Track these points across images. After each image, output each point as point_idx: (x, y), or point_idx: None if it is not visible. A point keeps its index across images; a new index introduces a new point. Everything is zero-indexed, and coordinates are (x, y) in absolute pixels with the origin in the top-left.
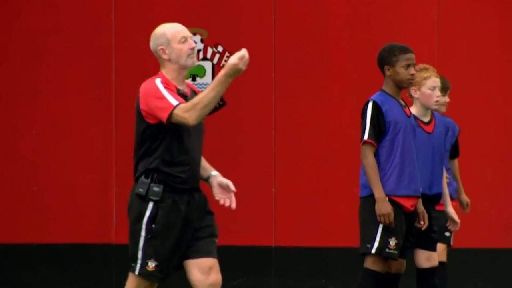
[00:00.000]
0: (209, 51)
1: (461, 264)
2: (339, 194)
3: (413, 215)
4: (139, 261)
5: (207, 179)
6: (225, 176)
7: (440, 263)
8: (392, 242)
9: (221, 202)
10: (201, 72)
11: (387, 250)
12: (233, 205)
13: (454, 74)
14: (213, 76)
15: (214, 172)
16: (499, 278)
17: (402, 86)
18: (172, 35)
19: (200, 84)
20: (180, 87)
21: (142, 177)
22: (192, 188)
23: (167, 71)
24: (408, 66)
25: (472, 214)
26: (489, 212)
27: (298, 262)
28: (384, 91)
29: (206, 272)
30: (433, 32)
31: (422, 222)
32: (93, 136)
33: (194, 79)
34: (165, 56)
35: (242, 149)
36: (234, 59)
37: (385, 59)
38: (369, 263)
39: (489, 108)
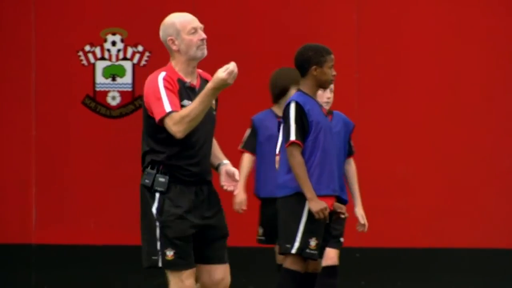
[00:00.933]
0: (129, 50)
1: (379, 264)
2: None
3: (331, 215)
4: (159, 253)
5: (217, 167)
6: None
7: (334, 266)
8: (313, 243)
9: (225, 187)
10: (121, 72)
11: (307, 250)
12: (236, 191)
13: (373, 75)
14: (133, 75)
15: (226, 161)
16: (418, 278)
17: (325, 86)
18: (182, 26)
19: (120, 84)
20: (188, 80)
21: (149, 167)
22: (200, 181)
23: (176, 62)
24: (331, 67)
25: (391, 213)
26: (410, 212)
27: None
28: (303, 92)
29: (216, 279)
30: (352, 32)
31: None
32: (12, 135)
33: (114, 79)
34: (174, 47)
35: None
36: (222, 73)
37: (313, 59)
38: (289, 263)
39: (407, 107)
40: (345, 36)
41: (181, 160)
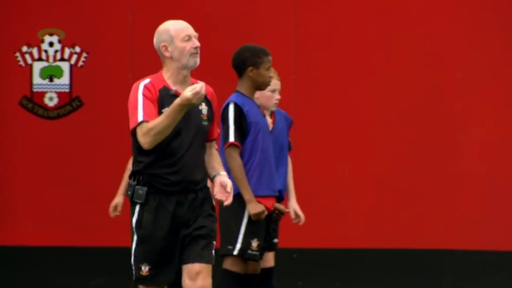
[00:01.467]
0: (67, 51)
1: (317, 265)
2: None
3: (271, 215)
4: (133, 266)
5: (213, 178)
6: (82, 176)
7: (270, 268)
8: (254, 244)
9: (217, 197)
10: (58, 73)
11: (249, 251)
12: (227, 202)
13: (310, 76)
14: (71, 76)
15: (222, 172)
16: (356, 278)
17: (261, 88)
18: (176, 32)
19: (57, 85)
20: (175, 88)
21: (131, 179)
22: (183, 190)
23: (167, 69)
24: (269, 68)
25: (330, 214)
26: (347, 212)
27: None
28: (241, 92)
29: (193, 278)
30: (290, 34)
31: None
32: None
33: (51, 80)
34: (167, 54)
35: (98, 149)
36: (189, 93)
37: (250, 61)
38: (229, 264)
39: (345, 107)
40: (283, 37)
41: (159, 169)
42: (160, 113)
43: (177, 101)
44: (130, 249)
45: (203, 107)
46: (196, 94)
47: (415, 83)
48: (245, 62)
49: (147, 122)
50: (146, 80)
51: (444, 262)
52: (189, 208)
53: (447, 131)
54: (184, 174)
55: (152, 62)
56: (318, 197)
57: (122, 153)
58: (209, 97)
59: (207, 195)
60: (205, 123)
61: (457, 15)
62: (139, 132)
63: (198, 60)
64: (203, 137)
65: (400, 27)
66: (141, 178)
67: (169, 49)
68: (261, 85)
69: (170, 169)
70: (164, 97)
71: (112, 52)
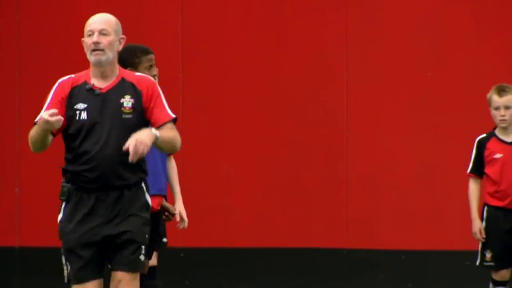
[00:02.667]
0: None
1: (204, 264)
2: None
3: (158, 214)
4: (64, 266)
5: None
6: None
7: (153, 267)
8: None
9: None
10: None
11: None
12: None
13: (198, 74)
14: None
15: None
16: (242, 276)
17: None
18: (85, 27)
19: None
20: (93, 82)
21: (64, 181)
22: (103, 187)
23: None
24: (151, 67)
25: (215, 212)
26: (234, 212)
27: (43, 262)
28: None
29: (115, 286)
30: (177, 31)
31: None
32: None
33: None
34: (84, 49)
35: None
36: (45, 116)
37: (128, 61)
38: None
39: (232, 106)
40: (170, 35)
41: (77, 166)
42: (71, 110)
43: (40, 121)
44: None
45: (126, 100)
46: (51, 115)
47: (301, 80)
48: (124, 63)
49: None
50: (67, 76)
51: (330, 261)
52: (110, 204)
53: (333, 129)
54: (101, 171)
55: (40, 61)
56: (204, 196)
57: (6, 153)
58: (139, 87)
59: (137, 193)
60: (128, 116)
61: (343, 11)
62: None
63: (99, 57)
64: (128, 131)
65: (284, 24)
66: (67, 175)
67: (83, 44)
68: None
69: (86, 166)
70: (77, 93)
71: None
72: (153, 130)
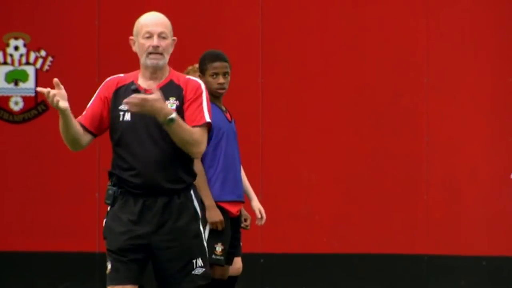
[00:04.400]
0: (32, 55)
1: (285, 270)
2: None
3: (238, 220)
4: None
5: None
6: (48, 180)
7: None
8: (219, 248)
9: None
10: (24, 77)
11: (213, 256)
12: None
13: (277, 78)
14: (36, 81)
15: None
16: (324, 283)
17: (213, 94)
18: (140, 27)
19: (23, 89)
20: (145, 82)
21: (110, 184)
22: (150, 193)
23: (140, 64)
24: (216, 74)
25: (295, 218)
26: (313, 217)
27: None
28: None
29: None
30: (257, 37)
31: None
32: None
33: (16, 84)
34: (133, 48)
35: (65, 153)
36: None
37: (199, 68)
38: None
39: (314, 111)
40: (249, 41)
41: (123, 172)
42: (116, 110)
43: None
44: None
45: (170, 102)
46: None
47: (382, 87)
48: (199, 69)
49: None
50: (115, 76)
51: (410, 267)
52: (160, 215)
53: (413, 135)
54: (146, 175)
55: (119, 66)
56: (284, 201)
57: (88, 157)
58: (184, 89)
59: (186, 202)
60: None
61: (423, 16)
62: None
63: (158, 62)
64: (163, 141)
65: (365, 30)
66: (114, 178)
67: (135, 44)
68: (211, 92)
69: (131, 171)
70: (122, 94)
71: (78, 56)
72: (174, 113)
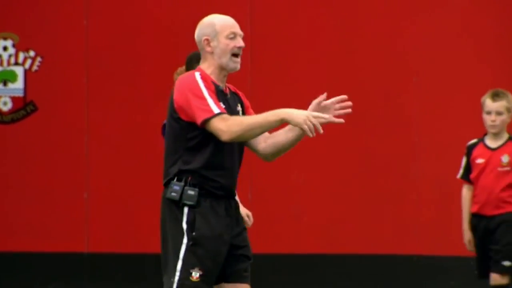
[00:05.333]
0: (21, 56)
1: (271, 270)
2: (155, 198)
3: None
4: (177, 273)
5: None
6: (37, 180)
7: None
8: None
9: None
10: (12, 77)
11: None
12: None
13: (266, 76)
14: (25, 81)
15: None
16: (312, 283)
17: None
18: (221, 27)
19: (11, 90)
20: (220, 84)
21: (174, 180)
22: (229, 194)
23: (208, 65)
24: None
25: (284, 219)
26: (301, 217)
27: (113, 268)
28: None
29: None
30: (247, 34)
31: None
32: None
33: (5, 84)
34: (208, 49)
35: (53, 154)
36: (302, 119)
37: (186, 68)
38: None
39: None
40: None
41: (211, 170)
42: None
43: (283, 114)
44: (174, 254)
45: (239, 108)
46: (309, 124)
47: (370, 87)
48: (189, 70)
49: (227, 114)
50: (197, 72)
51: (400, 268)
52: (232, 215)
53: (403, 135)
54: (231, 177)
55: (108, 66)
56: (274, 202)
57: (76, 157)
58: (242, 99)
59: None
60: None
61: (413, 16)
62: (221, 122)
63: (238, 65)
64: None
65: (354, 30)
66: (190, 179)
67: (212, 44)
68: None
69: (221, 171)
70: (217, 92)
71: (67, 56)
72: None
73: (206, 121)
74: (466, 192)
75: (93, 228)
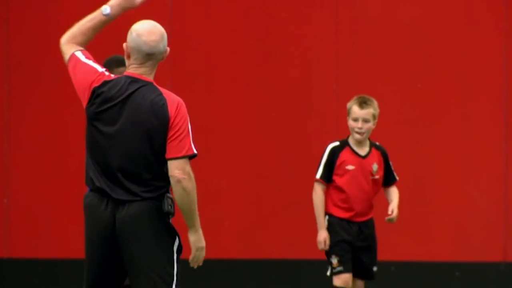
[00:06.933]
0: None
1: (193, 275)
2: (76, 204)
3: None
4: (174, 281)
5: None
6: None
7: None
8: None
9: None
10: None
11: None
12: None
13: (187, 84)
14: None
15: None
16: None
17: None
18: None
19: None
20: None
21: (168, 193)
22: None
23: (153, 77)
24: None
25: (207, 224)
26: (223, 222)
27: (32, 274)
28: None
29: None
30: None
31: None
32: None
33: None
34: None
35: None
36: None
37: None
38: None
39: (224, 117)
40: None
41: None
42: None
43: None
44: (170, 264)
45: None
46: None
47: (291, 90)
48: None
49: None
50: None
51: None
52: None
53: (323, 139)
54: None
55: (29, 69)
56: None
57: (37, 165)
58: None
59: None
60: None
61: (333, 22)
62: (187, 167)
63: None
64: None
65: (273, 35)
66: (171, 190)
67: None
68: None
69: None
70: None
71: None
72: None
73: (183, 157)
74: (321, 192)
75: (13, 233)
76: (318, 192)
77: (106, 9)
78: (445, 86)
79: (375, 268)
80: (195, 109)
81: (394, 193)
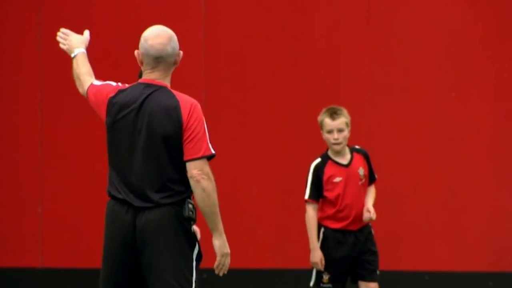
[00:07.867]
0: None
1: (227, 285)
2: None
3: None
4: (193, 285)
5: None
6: None
7: None
8: None
9: None
10: None
11: None
12: None
13: (220, 91)
14: None
15: None
16: None
17: None
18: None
19: None
20: None
21: (189, 198)
22: None
23: (169, 81)
24: None
25: (239, 232)
26: (256, 231)
27: (67, 284)
28: None
29: None
30: (200, 43)
31: None
32: None
33: None
34: (177, 64)
35: (7, 167)
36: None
37: None
38: None
39: (252, 126)
40: (192, 51)
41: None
42: None
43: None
44: (188, 269)
45: None
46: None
47: (324, 99)
48: None
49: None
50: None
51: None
52: None
53: (354, 145)
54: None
55: (62, 74)
56: (226, 216)
57: (30, 171)
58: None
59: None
60: None
61: (365, 30)
62: (206, 167)
63: None
64: None
65: (308, 44)
66: (192, 195)
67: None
68: None
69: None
70: None
71: (20, 64)
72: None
73: (200, 158)
74: (313, 212)
75: (47, 243)
76: (309, 213)
77: (73, 53)
78: (479, 95)
79: (377, 272)
80: (228, 115)
81: (371, 192)
